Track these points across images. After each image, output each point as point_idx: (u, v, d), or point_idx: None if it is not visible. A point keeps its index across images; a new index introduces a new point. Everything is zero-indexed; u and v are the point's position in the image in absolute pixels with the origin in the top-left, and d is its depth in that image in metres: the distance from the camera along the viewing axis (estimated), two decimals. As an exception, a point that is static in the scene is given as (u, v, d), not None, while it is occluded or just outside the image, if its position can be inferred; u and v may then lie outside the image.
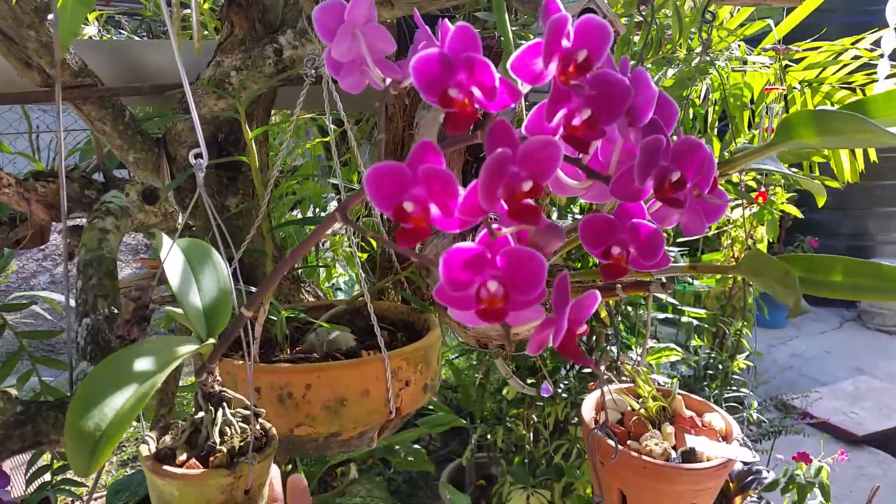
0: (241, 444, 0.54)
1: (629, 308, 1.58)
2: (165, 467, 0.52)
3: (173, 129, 0.97)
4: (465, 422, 1.78)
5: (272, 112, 1.17)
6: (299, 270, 1.23)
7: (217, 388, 0.55)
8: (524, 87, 0.34)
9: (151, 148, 0.98)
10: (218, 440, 0.54)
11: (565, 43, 0.32)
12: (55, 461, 1.15)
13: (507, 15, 0.67)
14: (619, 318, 1.55)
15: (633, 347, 1.43)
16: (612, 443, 0.80)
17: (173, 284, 0.57)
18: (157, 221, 0.75)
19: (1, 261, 1.85)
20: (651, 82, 0.37)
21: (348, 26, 0.38)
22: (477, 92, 0.31)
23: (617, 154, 0.38)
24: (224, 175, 1.08)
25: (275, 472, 0.60)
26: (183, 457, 0.53)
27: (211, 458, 0.53)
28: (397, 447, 1.71)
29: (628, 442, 0.84)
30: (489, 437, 1.70)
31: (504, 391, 1.66)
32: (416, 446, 1.75)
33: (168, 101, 1.02)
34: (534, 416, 1.63)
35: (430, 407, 2.04)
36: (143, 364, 0.45)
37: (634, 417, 0.86)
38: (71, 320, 0.67)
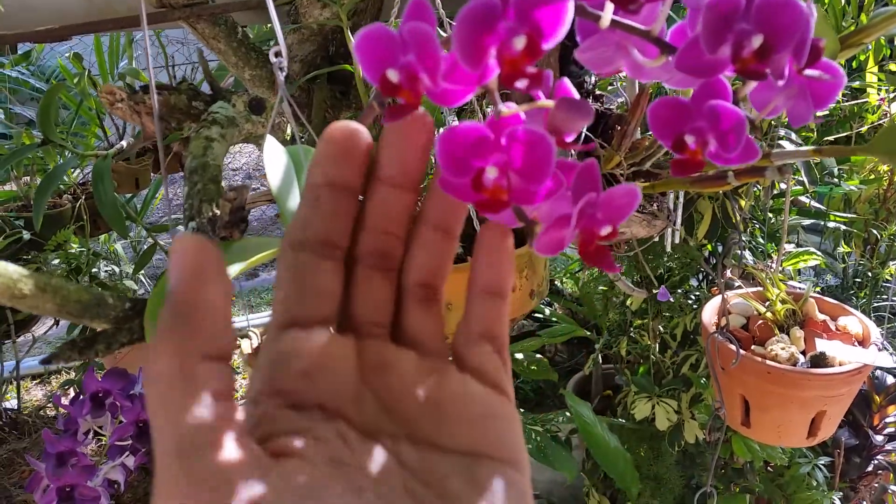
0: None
1: (770, 215, 1.48)
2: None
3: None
4: (587, 332, 1.77)
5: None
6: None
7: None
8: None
9: (265, 64, 1.00)
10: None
11: None
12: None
13: None
14: (756, 224, 1.46)
15: (771, 255, 1.35)
16: (733, 347, 0.76)
17: (273, 185, 0.57)
18: (264, 132, 0.76)
19: (151, 187, 1.99)
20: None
21: None
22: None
23: (663, 17, 0.33)
24: (336, 89, 1.08)
25: None
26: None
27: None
28: (520, 356, 1.72)
29: (752, 347, 0.79)
30: (613, 348, 1.68)
31: (628, 301, 1.63)
32: (537, 356, 1.76)
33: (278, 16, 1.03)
34: (660, 326, 1.59)
35: (554, 319, 2.04)
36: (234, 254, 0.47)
37: (760, 321, 0.81)
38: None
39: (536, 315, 2.13)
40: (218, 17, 0.97)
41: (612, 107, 0.61)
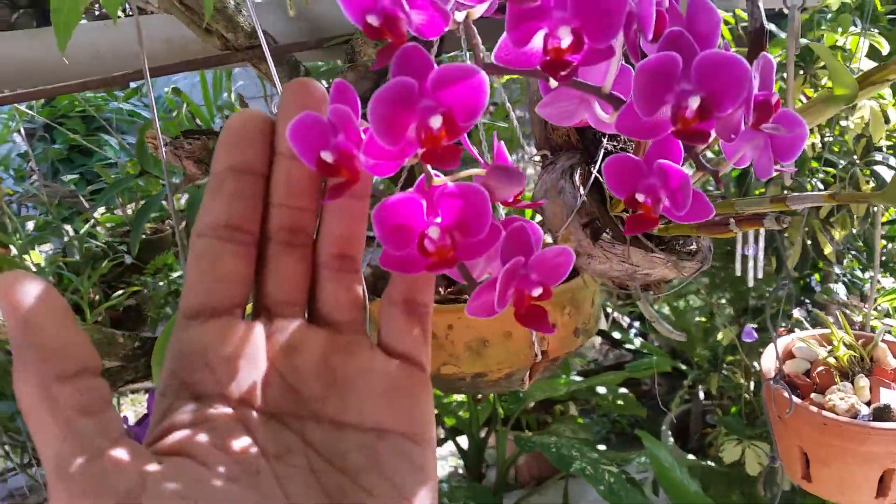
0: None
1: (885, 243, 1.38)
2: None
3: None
4: (679, 365, 1.69)
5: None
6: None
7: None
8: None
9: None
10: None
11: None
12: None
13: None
14: (855, 254, 1.36)
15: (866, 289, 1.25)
16: (788, 395, 0.71)
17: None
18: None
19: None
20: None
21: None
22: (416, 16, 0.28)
23: (612, 74, 0.32)
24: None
25: None
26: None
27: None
28: (602, 390, 1.67)
29: (812, 395, 0.74)
30: (704, 385, 1.60)
31: (719, 336, 1.55)
32: (622, 390, 1.70)
33: (337, 54, 1.06)
34: (755, 363, 1.51)
35: (645, 350, 1.97)
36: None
37: (821, 367, 0.75)
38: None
39: (629, 347, 2.07)
40: (280, 57, 1.01)
41: (627, 147, 0.59)
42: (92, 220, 1.73)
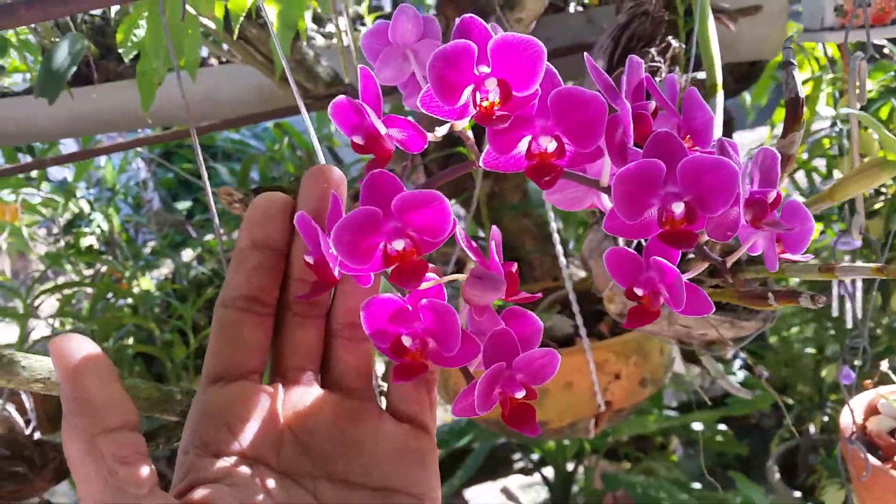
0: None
1: None
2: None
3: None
4: (768, 404, 1.60)
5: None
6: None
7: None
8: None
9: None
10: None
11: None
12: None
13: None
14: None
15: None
16: (868, 457, 0.67)
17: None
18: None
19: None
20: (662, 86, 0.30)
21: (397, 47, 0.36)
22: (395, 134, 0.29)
23: (607, 170, 0.32)
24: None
25: None
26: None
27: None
28: (698, 426, 1.61)
29: (895, 458, 0.69)
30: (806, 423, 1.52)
31: (823, 372, 1.46)
32: (721, 426, 1.64)
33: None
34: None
35: (749, 384, 1.88)
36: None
37: (908, 428, 0.70)
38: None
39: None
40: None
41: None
42: (199, 248, 1.84)
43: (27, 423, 1.12)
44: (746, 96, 1.45)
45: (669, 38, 0.63)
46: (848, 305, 1.11)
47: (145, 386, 0.53)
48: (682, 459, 2.02)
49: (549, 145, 0.30)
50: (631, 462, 1.63)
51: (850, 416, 0.75)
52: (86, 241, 2.03)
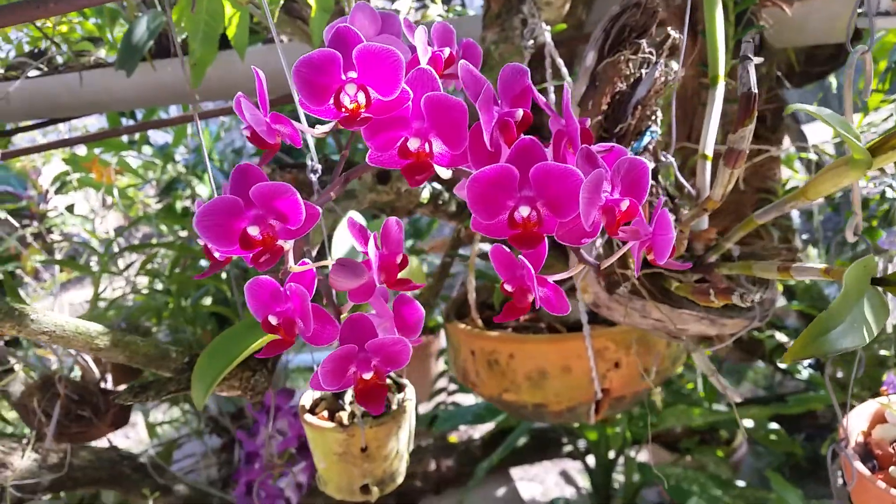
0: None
1: None
2: (305, 415, 0.62)
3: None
4: (833, 402, 1.53)
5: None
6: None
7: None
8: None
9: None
10: (347, 402, 0.62)
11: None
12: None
13: None
14: None
15: None
16: (859, 466, 0.65)
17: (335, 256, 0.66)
18: (389, 199, 0.84)
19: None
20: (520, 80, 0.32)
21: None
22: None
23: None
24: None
25: None
26: (324, 412, 0.63)
27: (336, 415, 0.61)
28: (749, 423, 1.58)
29: (890, 469, 0.67)
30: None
31: (883, 377, 1.40)
32: (773, 425, 1.59)
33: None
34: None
35: (812, 382, 1.81)
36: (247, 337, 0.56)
37: (906, 439, 0.68)
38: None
39: (799, 377, 1.91)
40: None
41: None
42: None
43: (102, 372, 1.23)
44: (832, 80, 1.38)
45: (669, 28, 0.63)
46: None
47: (144, 343, 0.60)
48: (747, 456, 1.97)
49: (425, 146, 0.33)
50: (681, 454, 1.61)
51: (851, 422, 0.74)
52: (182, 205, 2.16)
